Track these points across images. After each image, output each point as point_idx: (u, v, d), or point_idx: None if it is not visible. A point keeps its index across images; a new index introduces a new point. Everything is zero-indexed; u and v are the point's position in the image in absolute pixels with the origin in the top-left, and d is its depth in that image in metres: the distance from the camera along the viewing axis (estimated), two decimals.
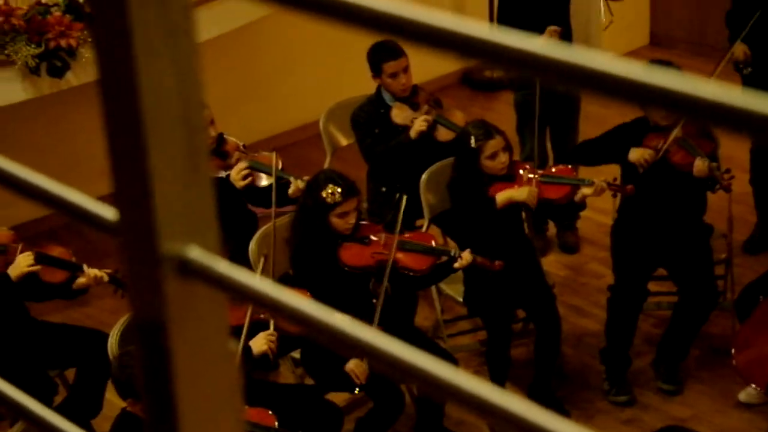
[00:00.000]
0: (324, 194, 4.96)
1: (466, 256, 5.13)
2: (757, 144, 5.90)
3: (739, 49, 6.11)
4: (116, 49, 0.94)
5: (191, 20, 0.96)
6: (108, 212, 1.02)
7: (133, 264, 0.99)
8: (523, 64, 0.83)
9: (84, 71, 5.96)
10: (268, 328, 4.76)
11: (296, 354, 5.22)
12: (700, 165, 5.41)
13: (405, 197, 5.31)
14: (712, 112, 0.74)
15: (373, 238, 5.14)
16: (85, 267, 4.96)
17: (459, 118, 5.90)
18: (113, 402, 4.66)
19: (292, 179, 5.45)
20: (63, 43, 5.84)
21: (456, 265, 5.17)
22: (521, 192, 5.33)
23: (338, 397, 5.16)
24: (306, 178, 5.32)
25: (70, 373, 5.22)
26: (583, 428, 0.85)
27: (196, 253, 0.99)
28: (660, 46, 8.66)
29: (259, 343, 4.70)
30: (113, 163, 0.98)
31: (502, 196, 5.33)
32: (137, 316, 1.01)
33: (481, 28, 0.85)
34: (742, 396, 5.44)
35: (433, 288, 5.63)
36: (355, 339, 0.92)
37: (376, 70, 5.87)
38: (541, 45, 0.82)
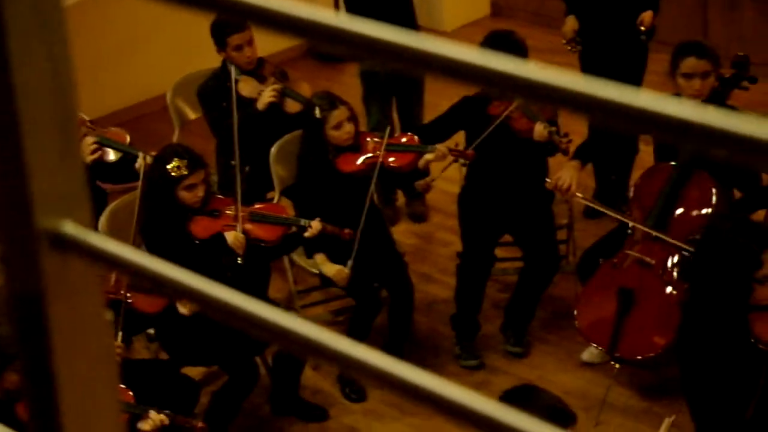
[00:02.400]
0: (169, 167, 4.97)
1: (316, 224, 5.22)
2: (594, 124, 6.11)
3: (568, 26, 6.31)
4: None
5: (61, 5, 1.01)
6: None
7: (9, 239, 1.04)
8: (368, 50, 0.88)
9: None
10: None
11: (151, 330, 5.23)
12: (540, 129, 5.56)
13: (247, 168, 5.37)
14: (543, 94, 0.82)
15: (224, 211, 5.18)
16: None
17: (305, 89, 5.96)
18: None
19: (140, 154, 5.43)
20: None
21: (306, 234, 5.24)
22: (331, 268, 5.39)
23: (193, 371, 5.19)
24: (153, 153, 5.32)
25: None
26: (428, 374, 0.93)
27: (70, 228, 1.03)
28: (501, 17, 8.85)
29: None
30: None
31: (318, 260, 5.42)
32: (14, 289, 1.05)
33: (326, 14, 0.91)
34: (585, 356, 5.65)
35: (286, 259, 5.69)
36: (224, 301, 0.98)
37: (221, 44, 5.87)
38: (385, 31, 0.88)
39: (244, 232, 5.15)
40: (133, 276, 1.03)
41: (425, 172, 5.77)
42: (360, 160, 5.52)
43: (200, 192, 5.05)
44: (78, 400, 1.09)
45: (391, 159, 5.56)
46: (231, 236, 5.07)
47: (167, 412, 4.51)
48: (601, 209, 5.43)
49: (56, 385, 1.07)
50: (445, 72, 0.84)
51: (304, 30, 0.89)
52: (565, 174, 5.35)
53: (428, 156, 5.54)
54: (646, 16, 6.18)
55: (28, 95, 1.00)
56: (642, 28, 6.18)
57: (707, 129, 0.74)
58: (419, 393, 0.90)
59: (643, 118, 0.77)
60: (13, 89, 0.99)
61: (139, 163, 5.37)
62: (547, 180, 5.42)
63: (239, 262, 5.07)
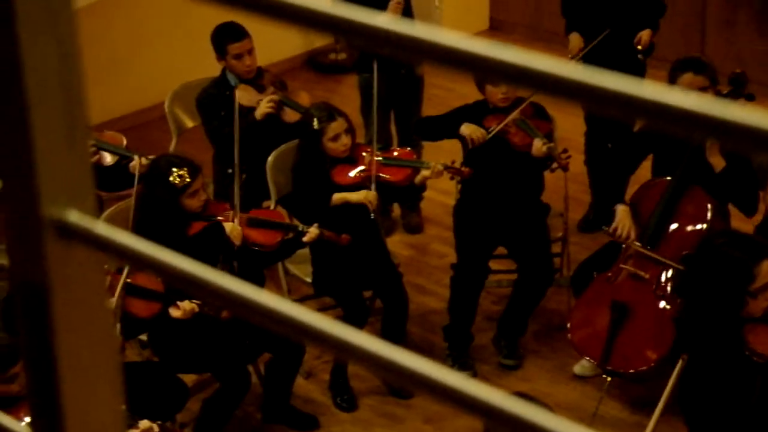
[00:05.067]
0: (172, 179, 4.99)
1: (313, 230, 5.24)
2: (590, 112, 6.16)
3: (574, 44, 6.35)
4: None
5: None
6: None
7: (15, 228, 1.05)
8: (366, 38, 0.90)
9: None
10: None
11: (143, 336, 5.23)
12: (538, 145, 5.60)
13: (243, 176, 5.41)
14: (546, 83, 0.84)
15: (221, 216, 5.21)
16: None
17: (304, 98, 5.98)
18: None
19: (135, 157, 5.45)
20: None
21: (304, 239, 5.26)
22: (358, 195, 5.42)
23: (185, 379, 5.20)
24: (151, 157, 5.34)
25: None
26: (425, 360, 0.95)
27: (75, 217, 1.05)
28: (499, 31, 8.89)
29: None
30: None
31: (338, 197, 5.44)
32: (19, 278, 1.07)
33: (324, 3, 0.93)
34: (577, 369, 5.67)
35: (280, 267, 5.70)
36: (227, 290, 1.00)
37: (221, 52, 5.89)
38: (384, 19, 0.90)
39: (244, 237, 5.18)
40: (137, 265, 1.05)
41: (422, 187, 5.79)
42: (354, 173, 5.54)
43: (203, 196, 5.10)
44: (80, 388, 1.10)
45: (387, 174, 5.57)
46: (229, 226, 5.10)
47: (159, 423, 4.51)
48: (655, 256, 5.40)
49: (58, 372, 1.09)
50: (444, 60, 0.86)
51: (300, 17, 0.91)
52: (621, 222, 5.37)
53: (425, 173, 5.57)
54: (644, 34, 6.22)
55: (37, 86, 1.02)
56: (639, 47, 6.22)
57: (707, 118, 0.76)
58: (415, 378, 0.91)
59: (645, 108, 0.79)
60: (22, 80, 1.01)
61: (134, 164, 5.39)
62: (604, 228, 5.45)
63: (235, 254, 5.11)
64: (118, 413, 1.14)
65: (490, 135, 5.61)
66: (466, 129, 5.63)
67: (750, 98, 5.46)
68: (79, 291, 1.08)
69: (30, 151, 1.02)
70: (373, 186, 5.50)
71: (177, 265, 1.02)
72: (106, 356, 1.12)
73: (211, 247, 5.07)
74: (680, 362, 4.49)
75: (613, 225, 5.38)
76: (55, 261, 1.05)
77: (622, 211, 5.39)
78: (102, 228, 1.05)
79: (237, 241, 5.10)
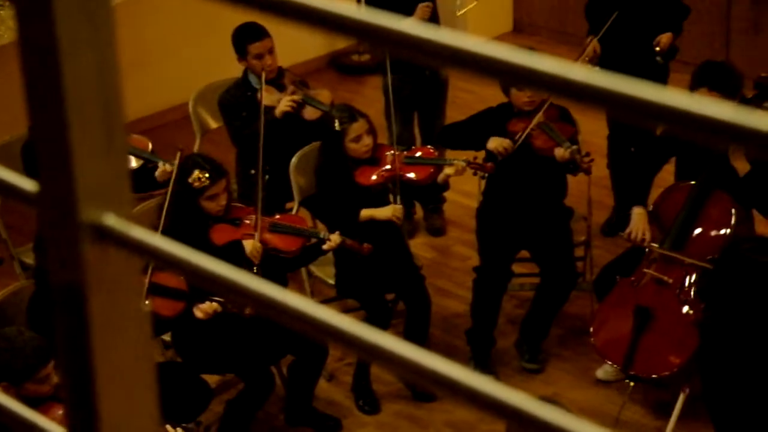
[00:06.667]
0: (191, 180, 5.01)
1: (335, 238, 5.25)
2: (613, 118, 6.16)
3: (591, 47, 6.34)
4: (40, 37, 1.02)
5: (109, 2, 1.05)
6: (28, 185, 1.10)
7: (54, 231, 1.08)
8: (390, 43, 0.92)
9: None
10: None
11: (167, 337, 5.27)
12: (561, 149, 5.61)
13: (266, 177, 5.42)
14: (569, 89, 0.86)
15: (245, 220, 5.23)
16: None
17: (326, 96, 6.00)
18: None
19: (160, 162, 5.49)
20: None
21: (325, 247, 5.27)
22: (385, 211, 5.44)
23: (208, 380, 5.23)
24: (175, 161, 5.37)
25: None
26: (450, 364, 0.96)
27: (112, 220, 1.07)
28: (523, 33, 8.90)
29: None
30: (36, 138, 1.06)
31: (365, 214, 5.45)
32: (57, 279, 1.09)
33: (350, 8, 0.95)
34: (600, 373, 5.66)
35: (303, 270, 5.73)
36: (262, 294, 1.02)
37: (242, 52, 5.92)
38: (410, 24, 0.92)
39: (264, 242, 5.18)
40: (170, 268, 1.07)
41: (445, 186, 5.80)
42: (377, 173, 5.56)
43: (222, 201, 5.10)
44: (115, 388, 1.12)
45: (410, 173, 5.60)
46: (249, 245, 5.10)
47: (185, 426, 4.53)
48: (654, 249, 5.42)
49: (94, 372, 1.11)
50: (473, 70, 0.88)
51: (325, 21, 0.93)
52: (636, 225, 5.39)
53: (447, 170, 5.58)
54: (664, 37, 6.21)
55: (76, 92, 1.04)
56: (657, 48, 6.21)
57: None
58: (439, 380, 0.93)
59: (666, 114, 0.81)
60: (62, 86, 1.03)
61: (160, 171, 5.43)
62: (621, 233, 5.48)
63: (255, 271, 5.10)
64: (153, 413, 1.17)
65: (518, 144, 5.63)
66: (493, 143, 5.64)
67: None
68: (116, 292, 1.10)
69: (69, 156, 1.05)
70: (397, 188, 5.52)
71: (208, 267, 1.04)
72: (141, 357, 1.14)
73: (232, 259, 5.10)
74: (681, 396, 4.52)
75: (628, 228, 5.39)
76: (92, 263, 1.08)
77: (637, 214, 5.41)
78: (137, 231, 1.07)
79: (256, 261, 5.12)
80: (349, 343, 1.00)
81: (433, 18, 6.49)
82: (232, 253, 5.11)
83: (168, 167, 5.39)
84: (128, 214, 1.09)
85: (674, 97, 0.83)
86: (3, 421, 1.20)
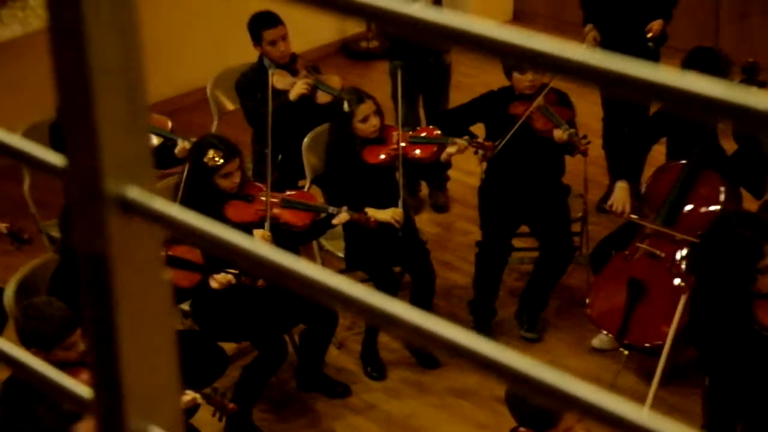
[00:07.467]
0: (206, 159, 5.03)
1: (343, 213, 5.26)
2: (608, 98, 6.17)
3: (590, 35, 6.33)
4: (68, 21, 1.01)
5: None
6: (56, 158, 1.10)
7: (80, 203, 1.07)
8: (399, 25, 0.91)
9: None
10: None
11: (185, 306, 5.27)
12: (559, 132, 5.61)
13: (279, 156, 5.41)
14: (570, 68, 0.85)
15: (258, 196, 5.23)
16: None
17: (336, 81, 6.02)
18: None
19: (179, 140, 5.50)
20: None
21: (334, 221, 5.28)
22: (385, 213, 5.40)
23: (225, 347, 5.23)
24: (193, 139, 5.38)
25: None
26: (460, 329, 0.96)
27: (135, 193, 1.07)
28: (522, 21, 8.86)
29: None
30: (63, 115, 1.05)
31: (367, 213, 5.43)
32: (83, 250, 1.09)
33: None
34: (596, 342, 5.67)
35: (315, 244, 5.73)
36: (277, 263, 1.02)
37: (257, 38, 5.95)
38: (417, 8, 0.91)
39: (276, 216, 5.18)
40: (192, 239, 1.07)
41: (447, 164, 5.79)
42: (384, 152, 5.56)
43: (236, 178, 5.11)
44: (138, 353, 1.12)
45: (415, 151, 5.61)
46: (258, 234, 5.05)
47: (203, 391, 4.54)
48: (646, 224, 5.42)
49: (118, 338, 1.11)
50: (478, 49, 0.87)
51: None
52: (618, 198, 5.39)
53: (450, 149, 5.58)
54: (655, 24, 6.20)
55: (101, 72, 1.04)
56: (649, 35, 6.19)
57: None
58: (444, 343, 0.93)
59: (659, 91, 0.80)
60: (88, 66, 1.03)
61: (179, 149, 5.45)
62: (604, 205, 5.49)
63: None
64: (174, 377, 1.16)
65: (516, 127, 5.62)
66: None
67: (762, 86, 5.43)
68: (139, 262, 1.10)
69: (94, 131, 1.04)
70: (400, 165, 5.52)
71: (226, 237, 1.04)
72: (163, 324, 1.14)
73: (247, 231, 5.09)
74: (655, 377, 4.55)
75: (610, 200, 5.42)
76: (116, 234, 1.07)
77: (619, 188, 5.44)
78: (160, 203, 1.07)
79: None
80: (359, 309, 0.99)
81: (436, 3, 6.47)
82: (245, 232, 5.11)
83: (187, 144, 5.40)
84: (151, 188, 1.08)
85: (668, 74, 0.82)
86: (34, 381, 1.20)
